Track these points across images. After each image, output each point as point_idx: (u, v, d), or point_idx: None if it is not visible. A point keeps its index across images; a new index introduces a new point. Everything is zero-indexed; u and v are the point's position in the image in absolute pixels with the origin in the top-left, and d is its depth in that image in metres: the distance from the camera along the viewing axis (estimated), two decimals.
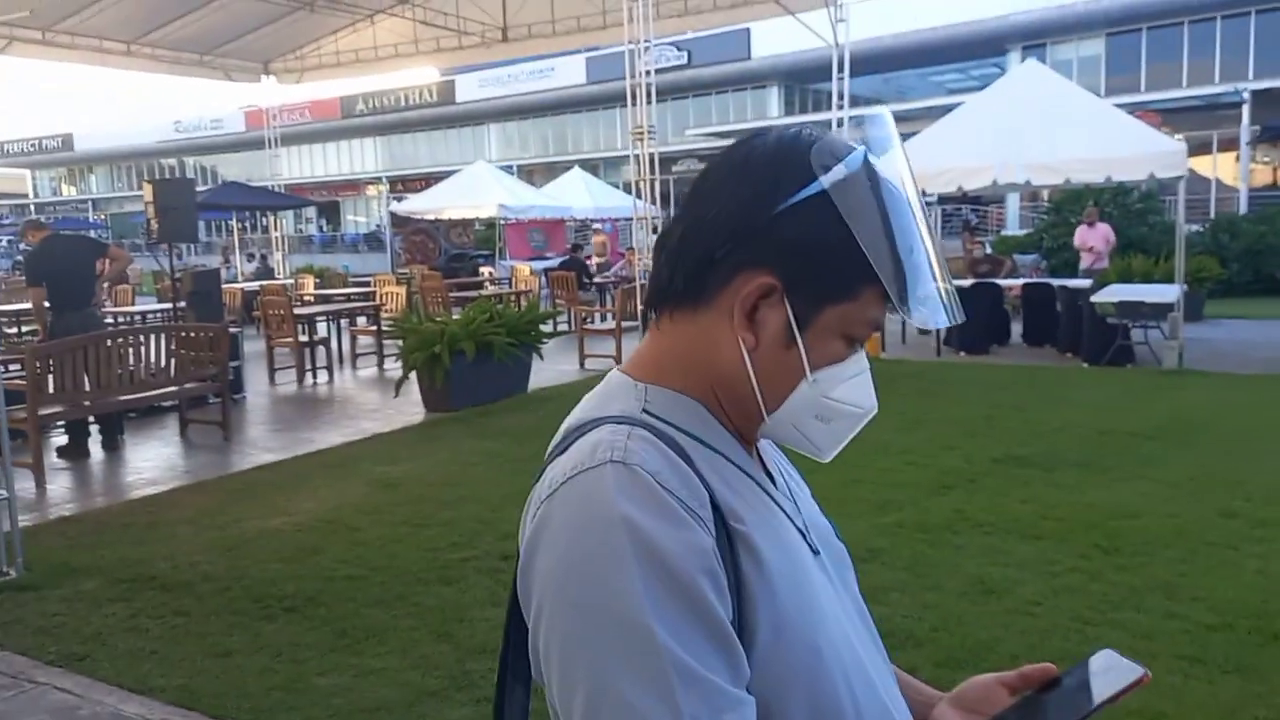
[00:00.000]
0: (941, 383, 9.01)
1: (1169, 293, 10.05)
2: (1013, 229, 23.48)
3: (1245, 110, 21.43)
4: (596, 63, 33.13)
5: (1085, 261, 12.99)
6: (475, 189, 20.23)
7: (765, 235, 0.80)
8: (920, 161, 10.69)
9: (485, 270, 20.97)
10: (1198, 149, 22.73)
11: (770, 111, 33.86)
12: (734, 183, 0.82)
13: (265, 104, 19.75)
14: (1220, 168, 24.23)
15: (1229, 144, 23.56)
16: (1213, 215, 20.03)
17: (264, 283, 16.20)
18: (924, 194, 14.14)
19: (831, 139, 0.82)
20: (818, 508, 0.98)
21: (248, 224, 36.80)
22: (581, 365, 10.86)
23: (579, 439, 0.80)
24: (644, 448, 0.76)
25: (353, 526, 5.09)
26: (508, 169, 33.20)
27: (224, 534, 5.06)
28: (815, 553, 0.88)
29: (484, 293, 15.47)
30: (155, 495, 5.98)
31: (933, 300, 0.83)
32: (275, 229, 23.09)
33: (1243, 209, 19.97)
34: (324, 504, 5.58)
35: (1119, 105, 11.57)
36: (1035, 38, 27.12)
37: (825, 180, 0.79)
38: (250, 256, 25.32)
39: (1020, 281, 12.46)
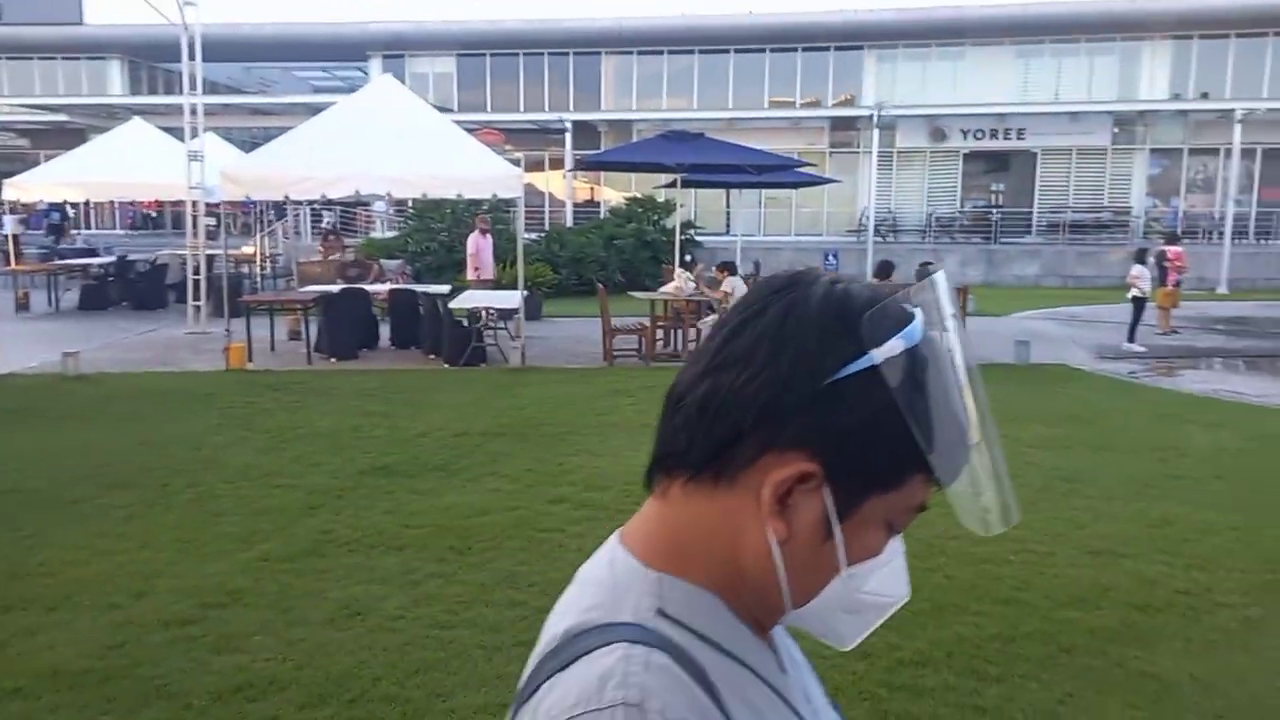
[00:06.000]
0: (311, 393, 8.91)
1: (513, 299, 11.38)
2: (380, 232, 24.30)
3: (568, 137, 25.17)
4: None
5: (471, 274, 13.75)
6: None
7: (805, 413, 0.68)
8: (282, 168, 10.47)
9: None
10: (534, 166, 26.15)
11: (112, 89, 29.95)
12: (771, 346, 0.69)
13: None
14: (552, 184, 28.15)
15: (558, 163, 27.48)
16: (547, 226, 23.17)
17: None
18: (290, 200, 13.69)
19: (887, 303, 0.70)
20: (824, 696, 0.85)
21: None
22: None
23: (584, 658, 0.67)
24: (663, 683, 0.64)
25: None
26: None
27: None
28: None
29: None
30: None
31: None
32: None
33: (569, 222, 23.44)
34: None
35: (469, 121, 12.72)
36: (394, 48, 28.37)
37: (878, 354, 0.68)
38: None
39: (388, 287, 12.93)
